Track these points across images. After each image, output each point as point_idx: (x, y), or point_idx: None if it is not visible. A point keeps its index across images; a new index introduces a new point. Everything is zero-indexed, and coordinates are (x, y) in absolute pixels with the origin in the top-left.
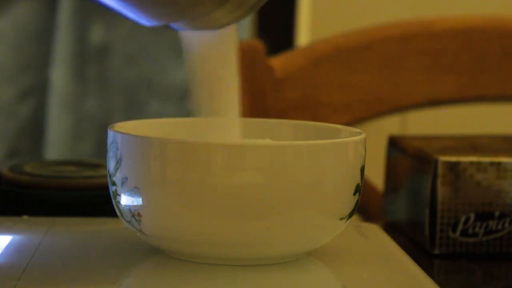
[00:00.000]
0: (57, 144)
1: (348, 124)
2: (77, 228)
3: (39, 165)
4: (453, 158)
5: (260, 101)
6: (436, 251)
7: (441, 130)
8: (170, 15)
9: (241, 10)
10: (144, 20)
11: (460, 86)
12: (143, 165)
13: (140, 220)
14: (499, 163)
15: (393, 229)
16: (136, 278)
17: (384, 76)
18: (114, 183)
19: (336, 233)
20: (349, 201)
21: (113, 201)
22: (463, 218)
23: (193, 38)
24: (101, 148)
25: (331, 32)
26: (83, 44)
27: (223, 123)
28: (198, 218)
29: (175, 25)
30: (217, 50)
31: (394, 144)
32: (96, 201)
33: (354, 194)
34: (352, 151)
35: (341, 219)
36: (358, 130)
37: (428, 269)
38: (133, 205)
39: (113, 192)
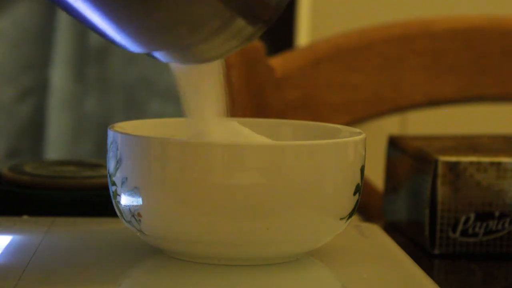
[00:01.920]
0: (57, 144)
1: (348, 124)
2: (77, 228)
3: (39, 165)
4: (453, 158)
5: (260, 101)
6: (436, 251)
7: (441, 130)
8: (163, 43)
9: (235, 40)
10: (131, 46)
11: (460, 86)
12: (143, 165)
13: (140, 220)
14: (499, 163)
15: (393, 229)
16: (136, 278)
17: (384, 76)
18: (114, 183)
19: (336, 233)
20: (349, 201)
21: (113, 201)
22: (463, 218)
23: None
24: (101, 148)
25: (331, 32)
26: (83, 44)
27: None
28: (198, 218)
29: (162, 55)
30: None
31: (394, 144)
32: (96, 201)
33: (354, 194)
34: (352, 151)
35: (341, 219)
36: (358, 130)
37: (428, 269)
38: (133, 205)
39: (113, 192)
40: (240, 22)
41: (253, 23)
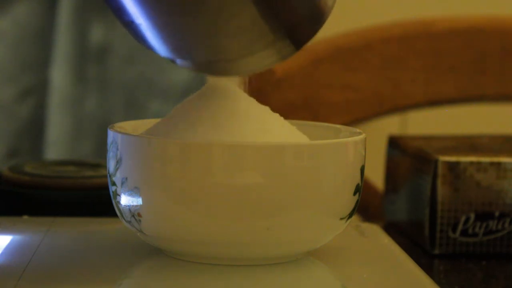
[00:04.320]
0: (57, 144)
1: (348, 124)
2: (77, 228)
3: (39, 165)
4: (453, 158)
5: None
6: (436, 251)
7: (441, 130)
8: (201, 54)
9: (273, 58)
10: (164, 51)
11: (460, 86)
12: (143, 165)
13: (140, 220)
14: (499, 163)
15: (393, 229)
16: (136, 278)
17: (384, 76)
18: (114, 183)
19: (336, 233)
20: (349, 201)
21: (113, 201)
22: (463, 218)
23: None
24: (101, 148)
25: (331, 32)
26: (83, 44)
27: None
28: (198, 218)
29: (191, 65)
30: None
31: (394, 144)
32: (96, 201)
33: (354, 194)
34: (352, 151)
35: (341, 219)
36: (358, 130)
37: (428, 269)
38: (133, 205)
39: (113, 192)
40: (283, 43)
41: (295, 44)
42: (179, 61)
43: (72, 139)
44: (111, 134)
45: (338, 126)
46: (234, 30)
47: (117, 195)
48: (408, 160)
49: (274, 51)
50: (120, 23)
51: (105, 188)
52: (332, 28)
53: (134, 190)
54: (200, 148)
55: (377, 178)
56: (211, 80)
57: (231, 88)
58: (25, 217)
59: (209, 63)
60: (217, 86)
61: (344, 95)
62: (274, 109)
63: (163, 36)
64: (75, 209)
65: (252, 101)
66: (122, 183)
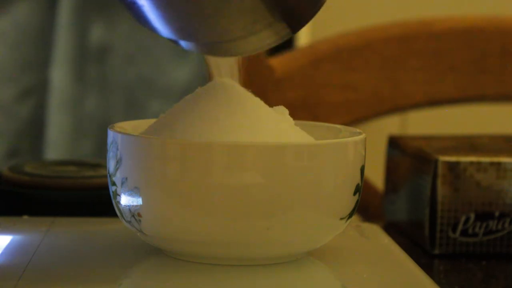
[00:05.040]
0: (57, 144)
1: (348, 124)
2: (77, 228)
3: (39, 165)
4: (453, 158)
5: None
6: (436, 251)
7: (441, 130)
8: (202, 35)
9: (272, 39)
10: (166, 31)
11: (460, 86)
12: (143, 165)
13: (140, 220)
14: (499, 163)
15: (393, 229)
16: (136, 278)
17: (384, 76)
18: (114, 183)
19: (336, 233)
20: (349, 201)
21: (113, 201)
22: (463, 218)
23: None
24: (101, 148)
25: (331, 32)
26: (83, 44)
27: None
28: (198, 218)
29: (192, 45)
30: None
31: (394, 144)
32: (96, 201)
33: (354, 194)
34: (352, 151)
35: (341, 219)
36: (358, 130)
37: (428, 269)
38: (133, 205)
39: (113, 192)
40: (281, 25)
41: (293, 26)
42: (182, 42)
43: (72, 139)
44: (111, 134)
45: (338, 126)
46: (234, 11)
47: (117, 195)
48: (408, 160)
49: (273, 32)
50: (122, 4)
51: (105, 188)
52: (332, 28)
53: (134, 190)
54: (200, 148)
55: (377, 178)
56: (212, 79)
57: (232, 87)
58: (25, 217)
59: (211, 44)
60: (218, 85)
61: (344, 95)
62: None
63: (166, 17)
64: (75, 209)
65: (254, 100)
66: (122, 183)
